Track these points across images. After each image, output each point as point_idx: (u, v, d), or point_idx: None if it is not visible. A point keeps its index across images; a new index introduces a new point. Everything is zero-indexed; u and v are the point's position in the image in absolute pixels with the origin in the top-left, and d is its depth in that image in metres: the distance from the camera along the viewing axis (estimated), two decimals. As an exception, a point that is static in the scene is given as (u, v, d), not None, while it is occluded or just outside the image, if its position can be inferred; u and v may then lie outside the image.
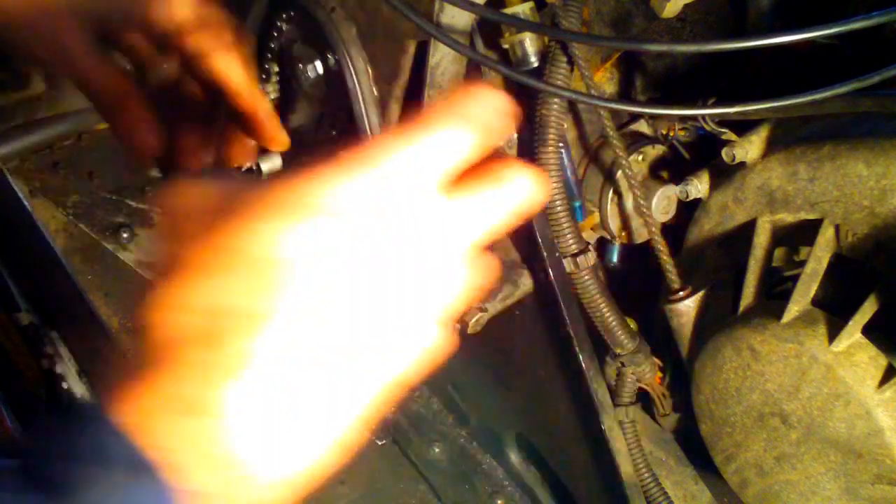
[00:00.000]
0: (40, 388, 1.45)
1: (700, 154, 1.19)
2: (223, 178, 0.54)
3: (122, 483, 0.43)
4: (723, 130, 1.10)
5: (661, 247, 1.10)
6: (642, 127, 1.23)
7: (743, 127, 1.08)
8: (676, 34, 1.20)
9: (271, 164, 1.22)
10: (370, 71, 0.94)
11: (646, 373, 1.20)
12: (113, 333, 1.38)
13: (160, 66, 0.87)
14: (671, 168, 1.22)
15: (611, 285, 1.27)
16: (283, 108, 1.18)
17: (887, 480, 0.93)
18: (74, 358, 1.43)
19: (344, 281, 0.46)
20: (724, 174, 1.10)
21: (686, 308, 1.15)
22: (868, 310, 0.92)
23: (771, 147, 1.05)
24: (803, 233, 1.01)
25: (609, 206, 1.19)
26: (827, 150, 0.96)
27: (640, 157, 1.20)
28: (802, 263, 1.00)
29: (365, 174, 0.48)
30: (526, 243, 1.09)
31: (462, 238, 0.50)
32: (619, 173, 1.16)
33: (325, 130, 1.08)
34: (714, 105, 1.02)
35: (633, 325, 1.19)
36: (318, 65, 1.00)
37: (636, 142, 1.20)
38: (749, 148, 1.05)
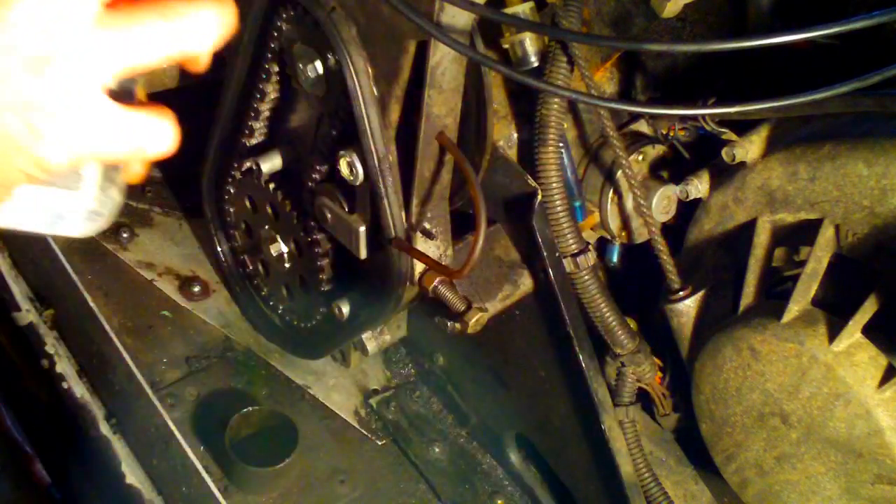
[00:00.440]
0: (40, 388, 1.45)
1: (700, 154, 1.19)
2: None
3: None
4: (723, 130, 1.10)
5: (661, 247, 1.10)
6: (642, 127, 1.23)
7: (743, 127, 1.08)
8: (676, 34, 1.20)
9: (271, 164, 1.22)
10: (370, 71, 0.94)
11: (646, 373, 1.20)
12: (113, 333, 1.38)
13: None
14: (671, 168, 1.22)
15: (611, 285, 1.27)
16: (283, 108, 1.18)
17: (887, 480, 0.93)
18: (74, 358, 1.43)
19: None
20: (724, 174, 1.10)
21: (686, 308, 1.15)
22: (868, 310, 0.92)
23: (771, 147, 1.05)
24: (803, 233, 1.01)
25: (609, 206, 1.19)
26: (827, 149, 0.96)
27: (640, 157, 1.20)
28: (802, 263, 1.00)
29: None
30: (526, 243, 1.09)
31: (107, 67, 0.49)
32: (619, 173, 1.16)
33: (325, 130, 1.08)
34: (714, 105, 1.02)
35: (633, 325, 1.19)
36: (318, 65, 1.00)
37: (636, 142, 1.20)
38: (749, 148, 1.05)
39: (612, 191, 1.18)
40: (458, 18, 0.85)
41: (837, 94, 0.75)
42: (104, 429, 1.35)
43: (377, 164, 0.98)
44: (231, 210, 1.36)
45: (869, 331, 0.93)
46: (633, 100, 1.23)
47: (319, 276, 1.21)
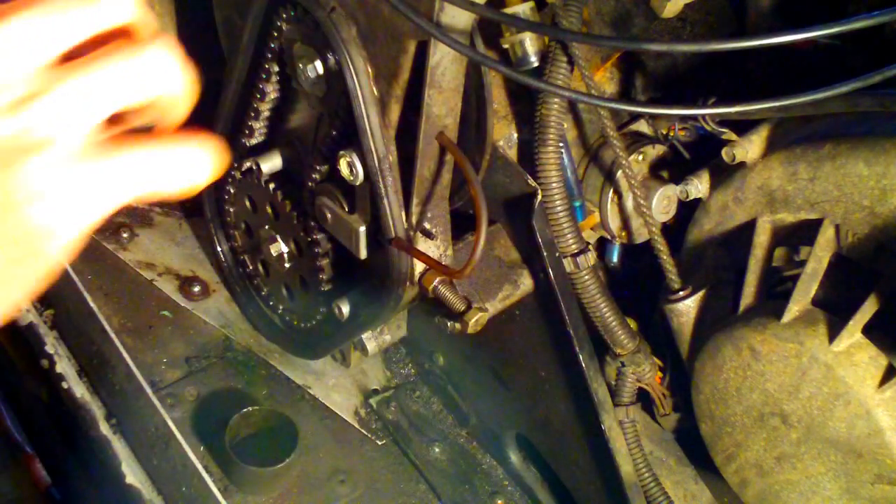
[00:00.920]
0: (40, 388, 1.45)
1: (700, 154, 1.19)
2: None
3: None
4: (723, 130, 1.10)
5: (661, 247, 1.10)
6: (642, 127, 1.23)
7: (743, 127, 1.08)
8: (677, 34, 1.20)
9: (271, 164, 1.22)
10: (370, 71, 0.94)
11: (646, 373, 1.20)
12: (113, 333, 1.38)
13: None
14: (671, 168, 1.22)
15: (611, 285, 1.27)
16: (283, 108, 1.18)
17: (887, 480, 0.93)
18: (74, 358, 1.43)
19: None
20: (724, 174, 1.10)
21: (686, 308, 1.15)
22: (868, 310, 0.92)
23: (771, 147, 1.05)
24: (803, 233, 1.01)
25: (609, 206, 1.19)
26: (827, 149, 0.96)
27: (640, 157, 1.20)
28: (802, 263, 1.00)
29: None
30: (526, 243, 1.09)
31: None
32: (619, 173, 1.16)
33: (325, 130, 1.08)
34: (714, 105, 1.02)
35: (633, 325, 1.19)
36: (318, 65, 1.00)
37: (636, 142, 1.21)
38: (749, 148, 1.05)
39: (612, 191, 1.18)
40: (458, 18, 0.85)
41: (837, 94, 0.75)
42: (104, 429, 1.35)
43: (377, 164, 0.98)
44: (231, 210, 1.36)
45: (869, 331, 0.93)
46: (633, 100, 1.23)
47: (319, 276, 1.21)
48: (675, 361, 1.24)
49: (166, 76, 0.52)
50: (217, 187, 1.35)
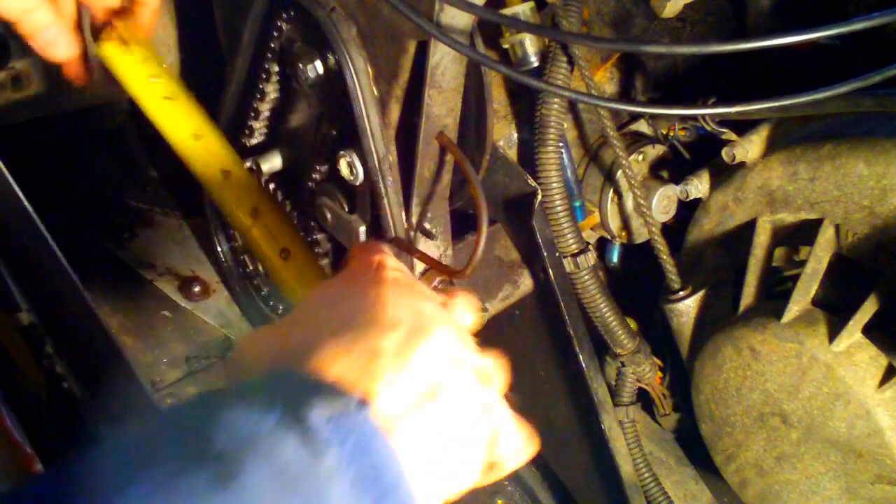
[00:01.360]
0: (40, 388, 1.45)
1: (700, 154, 1.19)
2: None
3: None
4: (723, 130, 1.10)
5: (661, 247, 1.10)
6: (642, 127, 1.23)
7: (743, 127, 1.08)
8: (677, 34, 1.20)
9: (271, 164, 1.22)
10: (370, 71, 0.94)
11: (646, 373, 1.20)
12: (113, 333, 1.38)
13: None
14: (671, 168, 1.22)
15: (611, 285, 1.27)
16: (283, 108, 1.18)
17: (887, 480, 0.93)
18: (74, 358, 1.42)
19: None
20: (724, 174, 1.10)
21: (686, 308, 1.15)
22: (868, 310, 0.92)
23: (771, 147, 1.05)
24: (803, 233, 1.01)
25: (609, 206, 1.19)
26: (827, 149, 0.96)
27: (640, 157, 1.20)
28: (802, 263, 1.00)
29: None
30: (526, 243, 1.09)
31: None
32: (619, 173, 1.16)
33: (325, 130, 1.08)
34: (714, 105, 1.02)
35: (633, 325, 1.19)
36: (318, 65, 1.00)
37: (636, 142, 1.21)
38: (749, 148, 1.05)
39: (612, 191, 1.18)
40: (458, 18, 0.85)
41: (837, 94, 0.75)
42: (104, 429, 1.35)
43: (377, 164, 0.98)
44: (231, 210, 1.36)
45: (869, 331, 0.93)
46: (633, 100, 1.23)
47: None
48: (675, 361, 1.24)
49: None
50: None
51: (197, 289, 1.51)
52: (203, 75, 1.18)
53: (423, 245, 1.03)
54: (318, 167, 1.11)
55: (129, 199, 1.70)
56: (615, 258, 1.30)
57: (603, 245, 1.30)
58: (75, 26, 0.95)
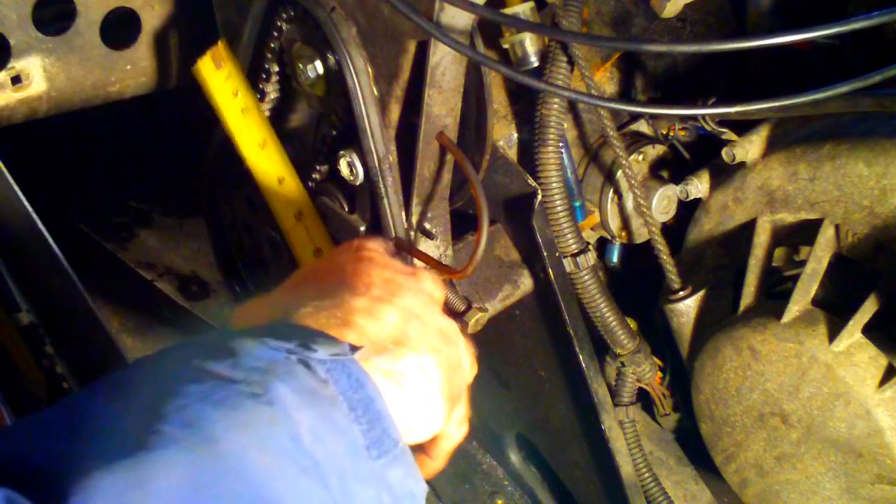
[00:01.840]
0: (40, 388, 1.45)
1: (700, 154, 1.19)
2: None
3: None
4: (723, 130, 1.10)
5: (661, 247, 1.10)
6: (642, 127, 1.23)
7: (743, 127, 1.08)
8: (677, 34, 1.20)
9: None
10: (370, 71, 0.94)
11: (646, 373, 1.20)
12: (113, 333, 1.38)
13: None
14: (671, 168, 1.22)
15: (611, 285, 1.27)
16: (283, 108, 1.18)
17: (887, 480, 0.93)
18: (74, 358, 1.42)
19: None
20: (724, 174, 1.10)
21: (686, 308, 1.15)
22: (868, 310, 0.92)
23: (771, 147, 1.05)
24: (803, 233, 1.01)
25: (609, 206, 1.19)
26: (827, 149, 0.96)
27: (640, 157, 1.20)
28: (802, 263, 1.00)
29: None
30: (526, 243, 1.09)
31: None
32: (619, 173, 1.16)
33: (325, 130, 1.08)
34: (714, 105, 1.02)
35: (633, 325, 1.19)
36: (318, 65, 1.00)
37: (636, 142, 1.20)
38: (749, 148, 1.05)
39: (612, 191, 1.18)
40: (458, 18, 0.85)
41: (837, 94, 0.75)
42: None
43: (377, 164, 0.98)
44: (231, 210, 1.36)
45: (869, 331, 0.93)
46: (633, 100, 1.23)
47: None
48: (675, 361, 1.24)
49: None
50: (217, 187, 1.35)
51: (197, 289, 1.51)
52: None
53: (423, 245, 1.03)
54: (318, 167, 1.11)
55: (129, 199, 1.70)
56: (615, 258, 1.30)
57: (603, 245, 1.30)
58: None
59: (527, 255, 1.11)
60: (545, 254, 1.06)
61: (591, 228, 1.22)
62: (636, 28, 1.17)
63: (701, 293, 1.14)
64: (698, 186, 1.12)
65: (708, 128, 1.10)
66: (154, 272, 1.53)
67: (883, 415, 0.91)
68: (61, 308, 1.47)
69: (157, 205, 1.67)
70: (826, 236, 0.96)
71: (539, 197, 1.04)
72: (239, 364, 0.54)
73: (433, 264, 0.98)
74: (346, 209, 1.09)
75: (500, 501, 1.42)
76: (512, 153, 1.14)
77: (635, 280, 1.31)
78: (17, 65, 1.13)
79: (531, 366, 1.21)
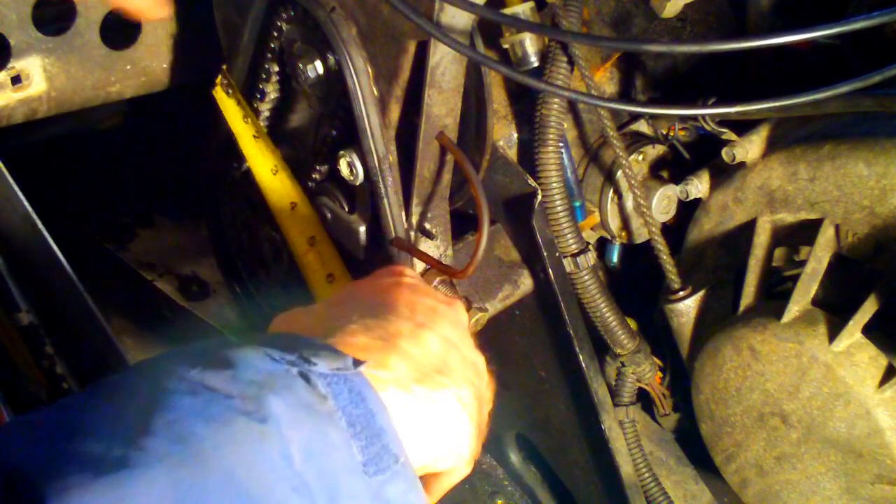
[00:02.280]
0: (40, 388, 1.45)
1: (700, 154, 1.19)
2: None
3: None
4: (723, 130, 1.10)
5: (661, 247, 1.10)
6: (642, 127, 1.23)
7: (743, 127, 1.08)
8: (677, 34, 1.20)
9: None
10: (370, 71, 0.94)
11: (646, 373, 1.20)
12: (113, 333, 1.38)
13: None
14: (671, 168, 1.22)
15: (611, 285, 1.27)
16: (283, 108, 1.18)
17: (887, 480, 0.93)
18: (74, 358, 1.42)
19: None
20: (724, 174, 1.10)
21: (686, 308, 1.15)
22: (868, 310, 0.92)
23: (771, 147, 1.05)
24: (803, 233, 1.01)
25: (609, 206, 1.19)
26: (827, 149, 0.96)
27: (640, 157, 1.20)
28: (802, 263, 1.00)
29: None
30: (526, 243, 1.09)
31: None
32: (619, 173, 1.16)
33: (326, 130, 1.08)
34: (714, 105, 1.02)
35: (633, 325, 1.19)
36: (318, 65, 1.00)
37: (636, 142, 1.20)
38: (749, 148, 1.05)
39: (612, 191, 1.18)
40: (458, 18, 0.85)
41: (837, 94, 0.75)
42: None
43: (377, 164, 0.98)
44: (231, 210, 1.36)
45: (869, 331, 0.93)
46: (633, 100, 1.23)
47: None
48: (675, 361, 1.24)
49: None
50: (217, 187, 1.35)
51: (197, 289, 1.51)
52: (203, 75, 1.18)
53: (423, 245, 1.03)
54: (318, 167, 1.11)
55: (129, 199, 1.70)
56: (615, 258, 1.30)
57: (603, 245, 1.30)
58: None
59: (527, 255, 1.11)
60: (545, 254, 1.06)
61: (591, 228, 1.22)
62: (636, 28, 1.17)
63: (701, 293, 1.14)
64: (698, 186, 1.12)
65: (708, 128, 1.10)
66: (154, 272, 1.53)
67: (883, 415, 0.91)
68: (61, 308, 1.47)
69: (157, 205, 1.67)
70: (826, 236, 0.96)
71: (539, 197, 1.04)
72: (236, 376, 0.53)
73: (434, 264, 0.98)
74: (346, 209, 1.09)
75: (500, 501, 1.42)
76: (512, 153, 1.14)
77: (635, 280, 1.31)
78: (17, 65, 1.13)
79: (531, 366, 1.21)
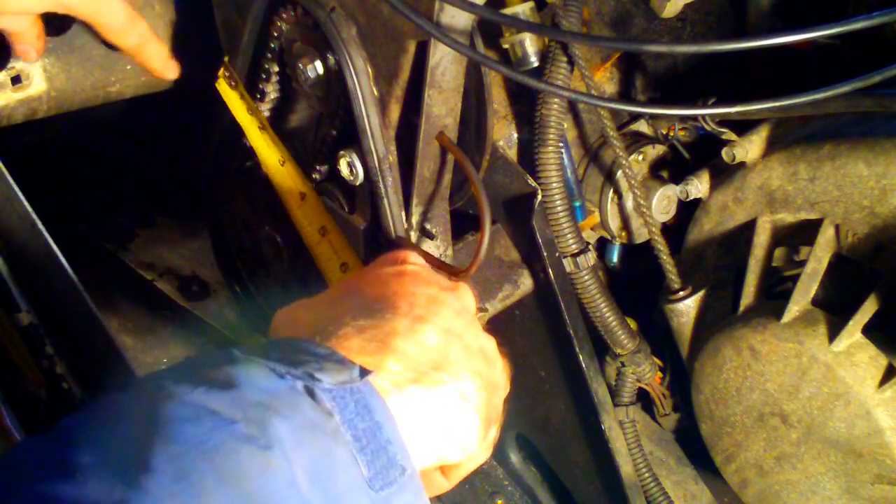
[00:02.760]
0: (40, 388, 1.45)
1: (700, 154, 1.19)
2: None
3: None
4: (723, 130, 1.10)
5: (661, 247, 1.10)
6: (642, 127, 1.23)
7: (743, 127, 1.08)
8: (676, 34, 1.20)
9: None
10: (370, 71, 0.94)
11: (646, 373, 1.20)
12: (113, 334, 1.38)
13: None
14: (671, 168, 1.22)
15: (611, 285, 1.27)
16: (283, 108, 1.18)
17: (887, 480, 0.93)
18: (74, 359, 1.42)
19: None
20: (724, 174, 1.10)
21: (686, 308, 1.15)
22: (868, 310, 0.92)
23: (771, 147, 1.05)
24: (803, 233, 1.01)
25: (609, 206, 1.19)
26: (827, 149, 0.96)
27: (640, 157, 1.20)
28: (802, 263, 1.00)
29: None
30: (526, 243, 1.09)
31: None
32: (619, 173, 1.16)
33: (325, 130, 1.08)
34: (714, 105, 1.02)
35: (633, 325, 1.19)
36: (318, 65, 1.00)
37: (636, 142, 1.21)
38: (749, 148, 1.05)
39: (612, 191, 1.18)
40: (458, 18, 0.85)
41: (837, 94, 0.75)
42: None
43: (377, 164, 0.98)
44: (231, 210, 1.36)
45: (869, 331, 0.93)
46: (633, 100, 1.23)
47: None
48: (675, 361, 1.24)
49: None
50: (217, 187, 1.35)
51: (197, 289, 1.51)
52: (203, 75, 1.18)
53: (423, 245, 1.03)
54: (318, 167, 1.11)
55: (129, 199, 1.70)
56: (615, 258, 1.30)
57: (603, 245, 1.30)
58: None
59: (527, 255, 1.11)
60: (545, 254, 1.06)
61: (591, 228, 1.22)
62: (636, 28, 1.17)
63: (701, 293, 1.14)
64: (698, 186, 1.12)
65: (708, 128, 1.10)
66: (154, 272, 1.53)
67: (883, 415, 0.91)
68: (61, 308, 1.47)
69: (157, 205, 1.67)
70: (826, 236, 0.96)
71: (539, 197, 1.04)
72: (240, 398, 0.52)
73: (436, 264, 0.98)
74: (346, 209, 1.09)
75: (500, 501, 1.42)
76: (512, 153, 1.14)
77: (635, 280, 1.31)
78: (17, 65, 1.13)
79: (531, 366, 1.21)
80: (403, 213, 1.01)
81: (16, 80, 1.14)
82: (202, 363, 0.57)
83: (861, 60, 1.03)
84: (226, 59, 1.14)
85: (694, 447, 1.26)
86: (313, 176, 1.12)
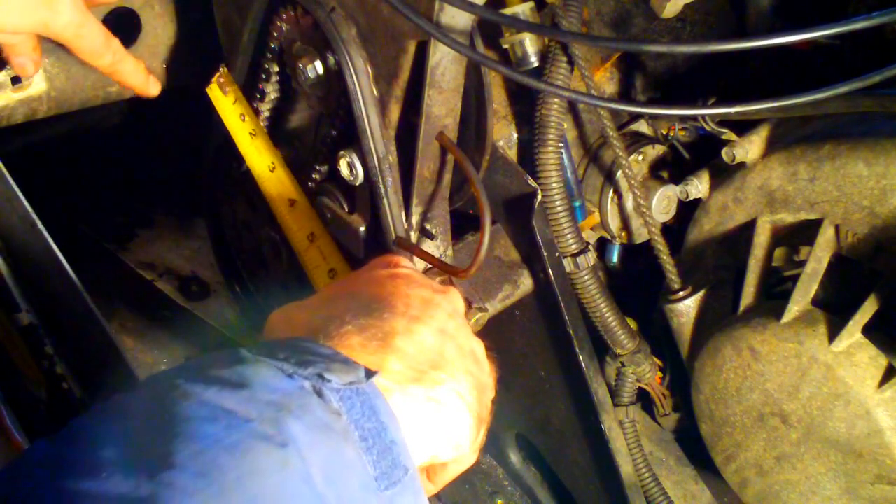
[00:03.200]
0: (40, 388, 1.45)
1: (700, 154, 1.19)
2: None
3: None
4: (723, 130, 1.10)
5: (661, 247, 1.10)
6: (642, 127, 1.23)
7: (743, 127, 1.08)
8: (677, 34, 1.20)
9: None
10: (370, 71, 0.94)
11: (646, 373, 1.20)
12: (113, 334, 1.38)
13: None
14: (671, 168, 1.22)
15: (611, 285, 1.27)
16: (283, 108, 1.18)
17: (887, 480, 0.93)
18: (74, 359, 1.42)
19: None
20: (724, 174, 1.10)
21: (686, 308, 1.15)
22: (868, 310, 0.92)
23: (771, 147, 1.05)
24: (803, 233, 1.01)
25: (609, 206, 1.19)
26: (827, 149, 0.96)
27: (640, 157, 1.20)
28: (802, 263, 1.00)
29: None
30: (526, 243, 1.09)
31: None
32: (619, 173, 1.16)
33: (325, 130, 1.08)
34: (714, 105, 1.02)
35: (633, 325, 1.19)
36: (318, 65, 1.00)
37: (636, 142, 1.21)
38: (749, 148, 1.05)
39: (612, 191, 1.18)
40: (458, 18, 0.85)
41: (837, 94, 0.75)
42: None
43: (377, 164, 0.98)
44: (231, 210, 1.36)
45: (869, 331, 0.93)
46: (633, 100, 1.23)
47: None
48: (675, 361, 1.24)
49: None
50: (217, 187, 1.35)
51: (197, 289, 1.51)
52: (203, 75, 1.18)
53: (423, 245, 1.03)
54: (318, 167, 1.11)
55: (129, 199, 1.70)
56: (615, 258, 1.30)
57: (603, 245, 1.30)
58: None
59: (527, 255, 1.11)
60: (545, 254, 1.06)
61: (591, 228, 1.22)
62: (636, 28, 1.17)
63: (701, 293, 1.14)
64: (698, 186, 1.12)
65: (708, 128, 1.10)
66: (154, 272, 1.53)
67: (883, 415, 0.91)
68: (61, 308, 1.47)
69: (157, 205, 1.67)
70: (826, 236, 0.96)
71: (539, 197, 1.04)
72: (253, 397, 0.53)
73: (436, 264, 0.98)
74: (346, 209, 1.09)
75: (500, 501, 1.42)
76: (512, 153, 1.14)
77: (635, 280, 1.31)
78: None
79: (531, 366, 1.21)
80: (403, 213, 1.01)
81: (16, 80, 1.14)
82: (211, 363, 0.57)
83: (861, 60, 1.03)
84: (222, 66, 1.15)
85: (694, 447, 1.26)
86: (313, 176, 1.12)
